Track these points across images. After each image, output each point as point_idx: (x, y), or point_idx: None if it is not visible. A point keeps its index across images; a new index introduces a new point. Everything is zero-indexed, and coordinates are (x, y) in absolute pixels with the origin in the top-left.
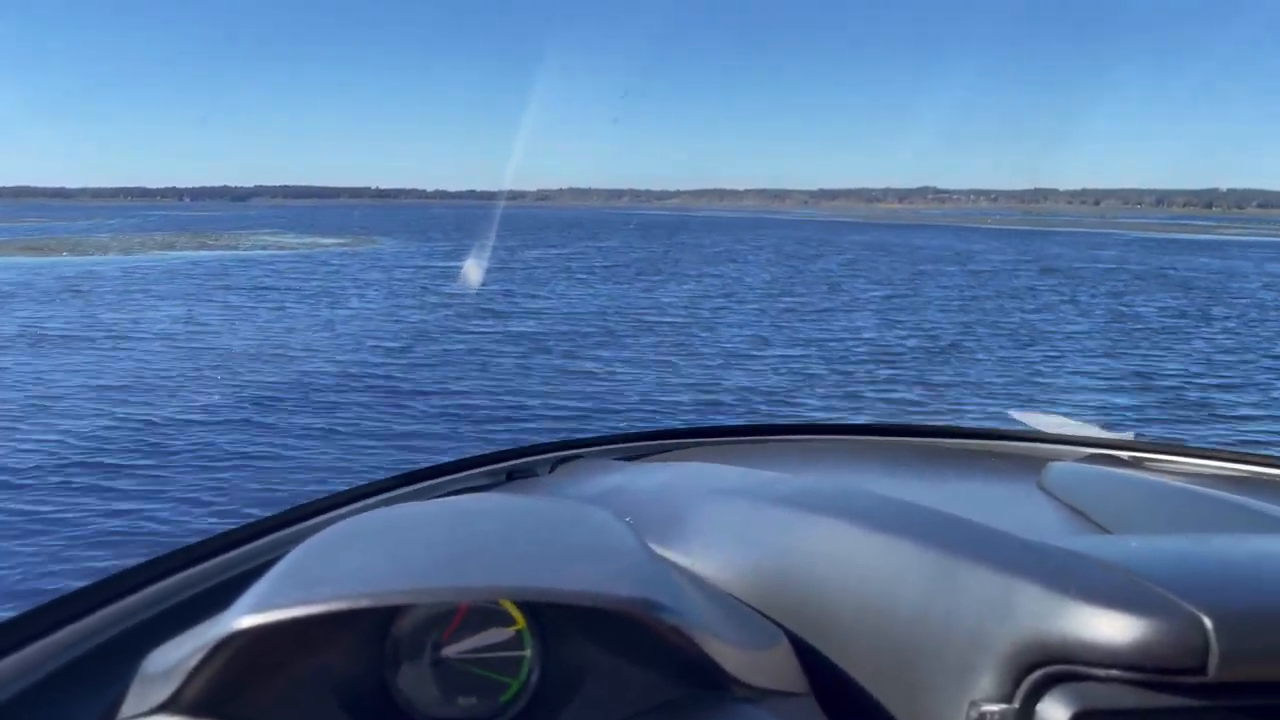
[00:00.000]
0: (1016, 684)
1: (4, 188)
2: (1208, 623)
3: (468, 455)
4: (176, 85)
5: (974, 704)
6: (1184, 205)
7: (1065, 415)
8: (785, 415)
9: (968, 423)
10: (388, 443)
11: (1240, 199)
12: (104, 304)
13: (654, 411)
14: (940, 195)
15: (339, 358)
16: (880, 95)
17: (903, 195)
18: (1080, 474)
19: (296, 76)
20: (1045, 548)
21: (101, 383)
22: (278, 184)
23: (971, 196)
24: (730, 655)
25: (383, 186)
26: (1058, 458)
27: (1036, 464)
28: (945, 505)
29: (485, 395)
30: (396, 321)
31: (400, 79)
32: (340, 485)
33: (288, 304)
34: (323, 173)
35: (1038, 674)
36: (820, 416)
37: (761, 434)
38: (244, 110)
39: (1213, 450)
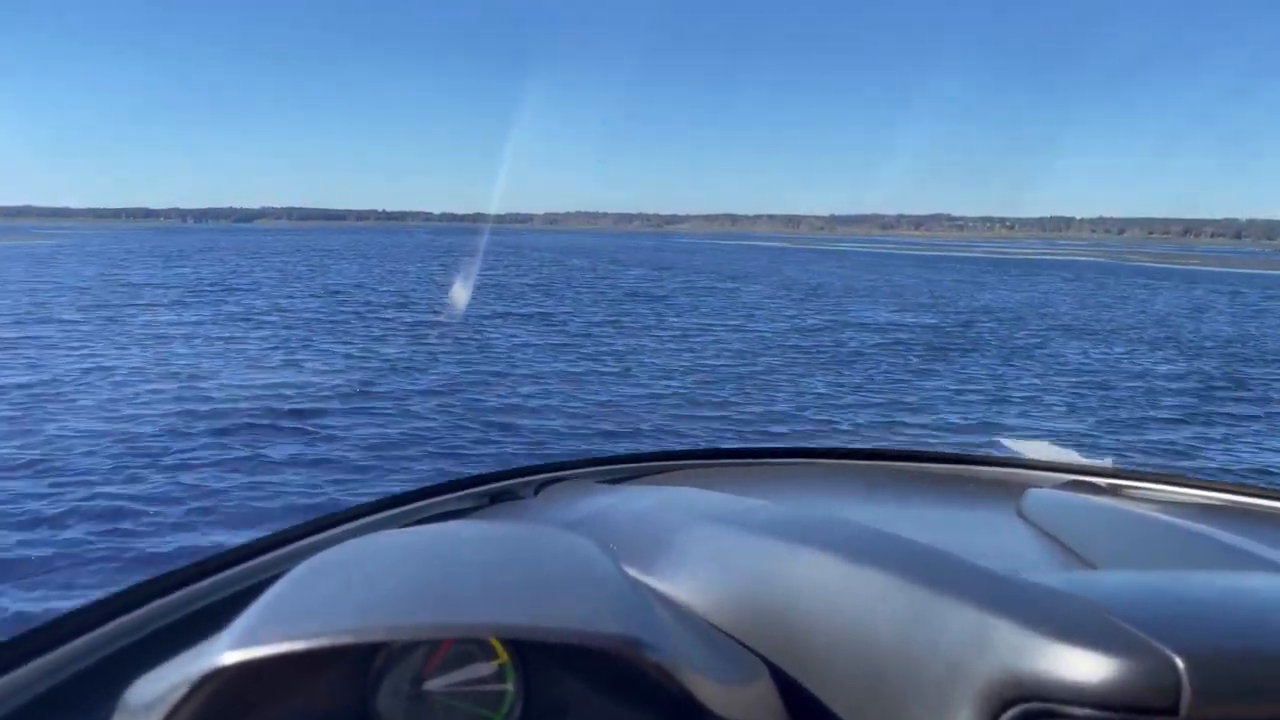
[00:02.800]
0: (994, 719)
1: (4, 207)
2: (1180, 663)
3: (452, 478)
4: (183, 106)
5: None
6: (1212, 236)
7: (1049, 442)
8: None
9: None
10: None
11: (1269, 230)
12: None
13: None
14: (955, 222)
15: None
16: (890, 121)
17: (918, 222)
18: (1058, 502)
19: (306, 98)
20: (1022, 583)
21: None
22: (283, 205)
23: (988, 224)
24: (713, 692)
25: (390, 209)
26: (1036, 484)
27: (1015, 490)
28: (924, 532)
29: None
30: None
31: (410, 101)
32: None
33: None
34: (330, 195)
35: (1014, 711)
36: None
37: (745, 457)
38: (252, 131)
39: (1191, 479)
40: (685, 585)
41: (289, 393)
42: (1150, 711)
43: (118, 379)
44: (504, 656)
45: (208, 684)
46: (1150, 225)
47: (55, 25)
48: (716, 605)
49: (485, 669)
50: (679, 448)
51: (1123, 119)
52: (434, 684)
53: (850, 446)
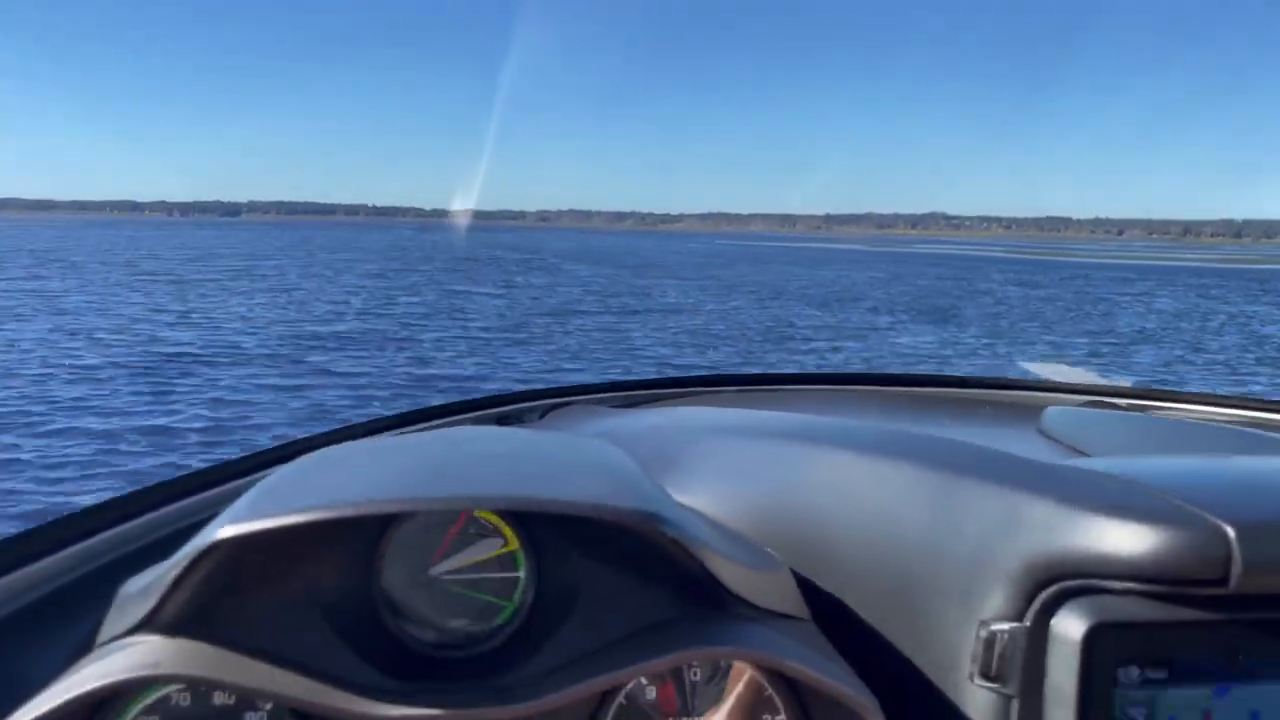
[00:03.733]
0: (1028, 601)
1: None
2: (1230, 533)
3: (457, 400)
4: (172, 99)
5: (984, 624)
6: (1211, 235)
7: (1067, 365)
8: None
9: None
10: None
11: (1269, 229)
12: None
13: None
14: (952, 221)
15: None
16: (885, 120)
17: (914, 221)
18: (1079, 416)
19: (297, 92)
20: (1052, 466)
21: None
22: (272, 199)
23: (984, 224)
24: (733, 572)
25: (380, 204)
26: (1056, 404)
27: (1034, 410)
28: None
29: None
30: None
31: (403, 97)
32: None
33: None
34: (319, 190)
35: (1050, 590)
36: None
37: (758, 383)
38: (240, 125)
39: (1212, 396)
40: (701, 495)
41: None
42: (1198, 583)
43: None
44: (514, 542)
45: (204, 561)
46: (1149, 226)
47: (40, 20)
48: (734, 512)
49: (496, 555)
50: (689, 375)
51: (1117, 119)
52: (443, 570)
53: (862, 373)
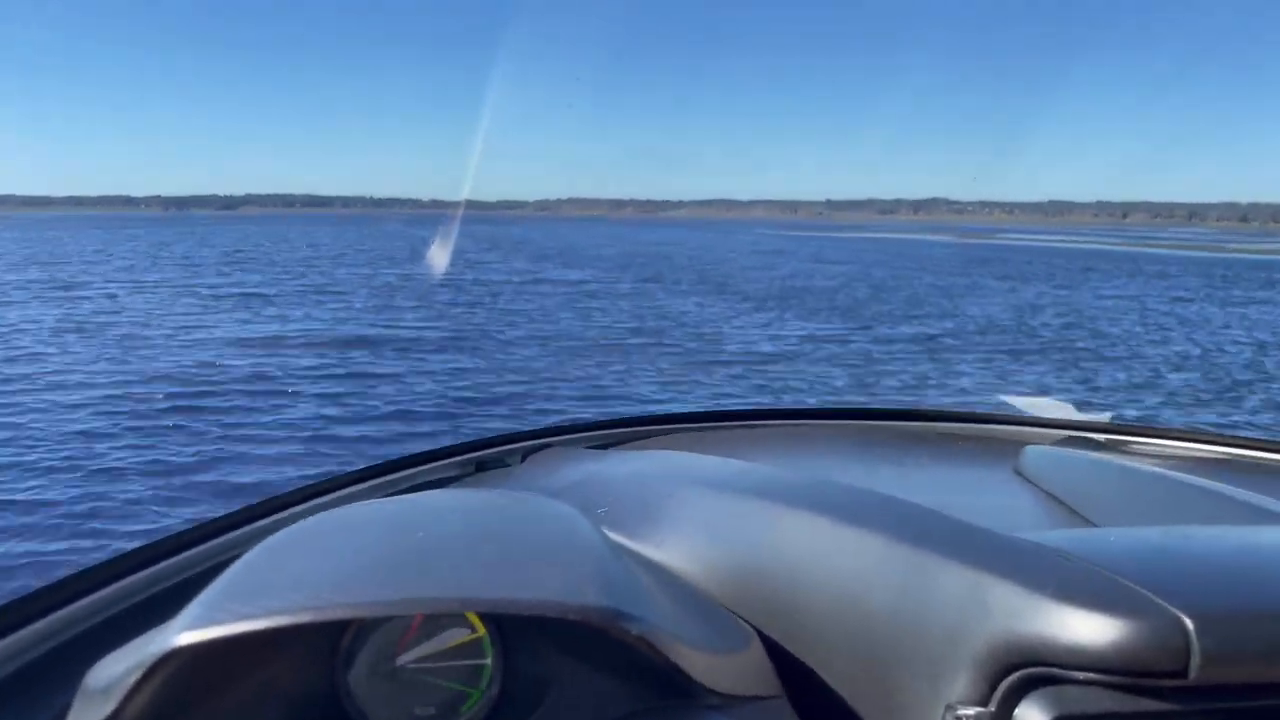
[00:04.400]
0: (993, 686)
1: None
2: (1189, 623)
3: (438, 446)
4: (166, 92)
5: (949, 708)
6: (1218, 220)
7: (1049, 399)
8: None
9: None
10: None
11: (1275, 213)
12: None
13: None
14: (954, 207)
15: None
16: (888, 105)
17: (916, 207)
18: (1056, 458)
19: (292, 84)
20: (1021, 543)
21: None
22: (269, 192)
23: (987, 209)
24: (699, 662)
25: (377, 195)
26: (1033, 440)
27: (1012, 448)
28: (920, 492)
29: None
30: None
31: (400, 87)
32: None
33: None
34: (316, 182)
35: (1015, 676)
36: None
37: (735, 420)
38: (236, 117)
39: (1188, 432)
40: (674, 551)
41: None
42: (1158, 674)
43: None
44: (481, 629)
45: (164, 666)
46: (1154, 209)
47: (35, 15)
48: (706, 572)
49: (462, 643)
50: (668, 411)
51: (1116, 99)
52: (408, 660)
53: (841, 406)
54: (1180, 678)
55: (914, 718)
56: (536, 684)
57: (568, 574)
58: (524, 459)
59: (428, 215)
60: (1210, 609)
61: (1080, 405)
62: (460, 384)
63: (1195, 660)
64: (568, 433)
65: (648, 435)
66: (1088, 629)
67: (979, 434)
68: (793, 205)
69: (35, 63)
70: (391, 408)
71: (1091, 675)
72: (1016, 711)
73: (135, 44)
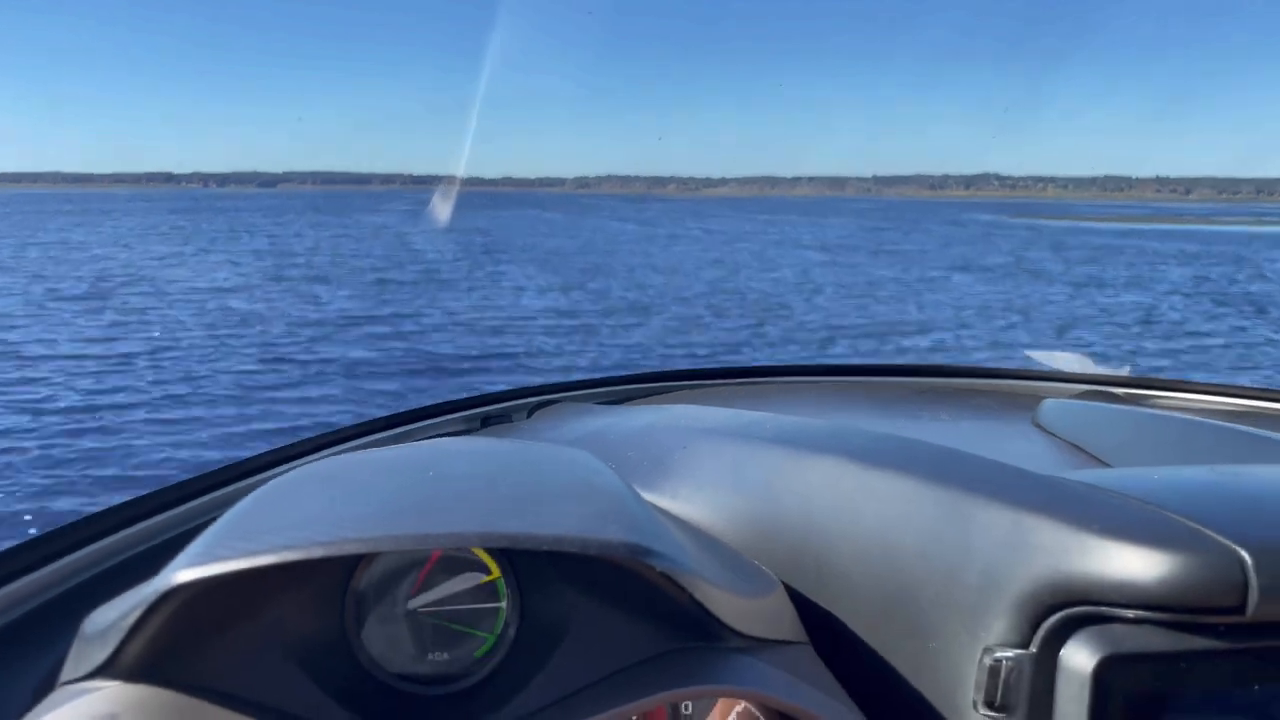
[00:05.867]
0: (1034, 627)
1: (29, 173)
2: (1246, 558)
3: (441, 400)
4: (211, 68)
5: (987, 650)
6: None
7: (1067, 353)
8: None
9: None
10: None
11: None
12: None
13: None
14: (1006, 182)
15: None
16: (931, 76)
17: (966, 182)
18: (1076, 409)
19: (333, 61)
20: (1059, 480)
21: None
22: (308, 170)
23: (1039, 184)
24: (725, 602)
25: (416, 173)
26: (1052, 394)
27: (1031, 401)
28: (938, 442)
29: None
30: None
31: (435, 63)
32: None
33: None
34: (356, 159)
35: (1058, 616)
36: None
37: (747, 376)
38: (277, 94)
39: (1209, 385)
40: (689, 504)
41: None
42: (1214, 611)
43: None
44: (496, 571)
45: (164, 605)
46: (1218, 185)
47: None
48: (724, 521)
49: (476, 586)
50: (678, 368)
51: (1174, 67)
52: (420, 603)
53: (854, 363)
54: (1237, 614)
55: (948, 662)
56: (554, 627)
57: (587, 511)
58: (530, 415)
59: (463, 192)
60: (1268, 543)
61: (1100, 360)
62: None
63: (1253, 596)
64: (575, 388)
65: (657, 392)
66: (1138, 565)
67: (995, 389)
68: (840, 181)
69: (75, 41)
70: None
71: (1142, 613)
72: (1062, 652)
73: (174, 21)
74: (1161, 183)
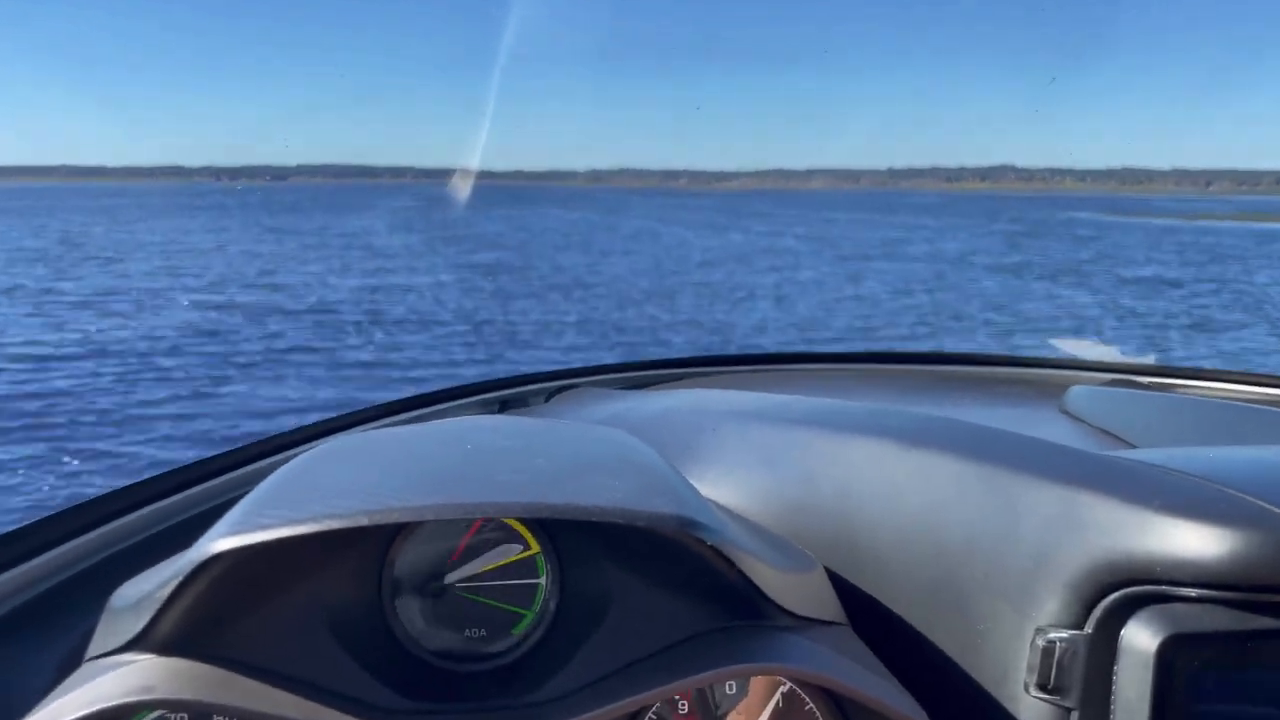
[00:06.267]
0: (1089, 608)
1: (43, 166)
2: None
3: (459, 384)
4: (219, 62)
5: (1040, 631)
6: None
7: (1093, 342)
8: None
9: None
10: None
11: None
12: None
13: None
14: (1022, 174)
15: None
16: (949, 67)
17: (982, 174)
18: (1103, 395)
19: (344, 53)
20: (1111, 458)
21: None
22: (319, 163)
23: (1057, 176)
24: (772, 578)
25: (426, 166)
26: (1079, 382)
27: (1056, 389)
28: None
29: None
30: None
31: (448, 55)
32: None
33: None
34: (366, 152)
35: (1115, 596)
36: None
37: (768, 362)
38: (288, 88)
39: (1235, 374)
40: (720, 485)
41: None
42: (1278, 589)
43: None
44: (535, 546)
45: (201, 576)
46: (1238, 177)
47: None
48: (756, 503)
49: (514, 560)
50: (697, 354)
51: (1194, 57)
52: (457, 578)
53: (876, 351)
54: None
55: (997, 644)
56: (594, 604)
57: (630, 484)
58: (548, 399)
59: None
60: None
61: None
62: None
63: None
64: (594, 373)
65: (676, 378)
66: (1200, 542)
67: (1021, 377)
68: (854, 175)
69: (85, 34)
70: None
71: (1205, 592)
72: (1123, 632)
73: (187, 14)
74: (1181, 175)
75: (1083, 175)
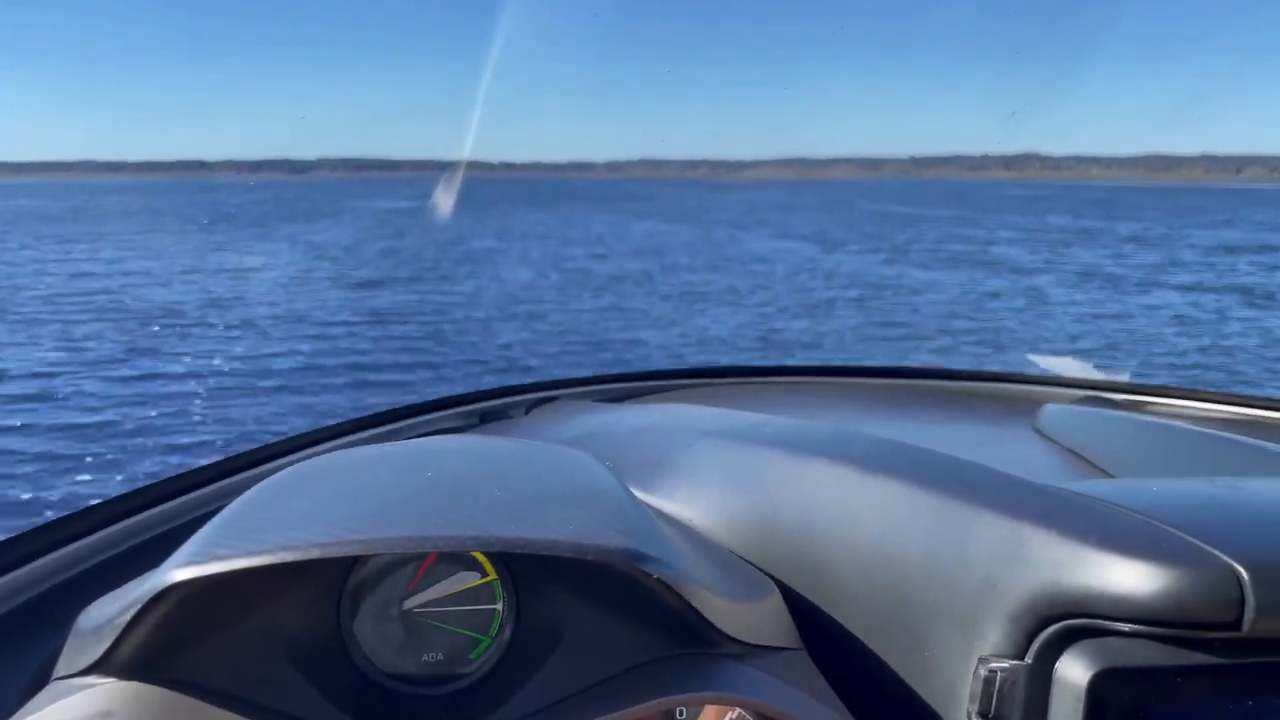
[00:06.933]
0: (1030, 639)
1: (63, 162)
2: (1243, 573)
3: (438, 397)
4: (243, 55)
5: (983, 660)
6: None
7: (1069, 358)
8: None
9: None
10: None
11: None
12: None
13: None
14: (1048, 163)
15: None
16: (973, 53)
17: (1007, 163)
18: (1076, 415)
19: (365, 46)
20: (1060, 492)
21: None
22: (339, 156)
23: (1083, 164)
24: (720, 608)
25: (446, 159)
26: (1052, 399)
27: (1030, 406)
28: (936, 447)
29: None
30: None
31: (465, 50)
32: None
33: None
34: (386, 145)
35: (1054, 628)
36: None
37: (747, 375)
38: (310, 80)
39: (1209, 393)
40: (688, 504)
41: None
42: (1209, 626)
43: None
44: (492, 573)
45: (159, 604)
46: (1268, 163)
47: None
48: (722, 523)
49: (472, 587)
50: (677, 367)
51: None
52: (415, 604)
53: (855, 364)
54: (1233, 630)
55: (944, 671)
56: (549, 631)
57: (585, 515)
58: (528, 411)
59: (472, 178)
60: (1265, 559)
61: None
62: None
63: (1249, 612)
64: (574, 385)
65: (656, 390)
66: (1134, 578)
67: (996, 393)
68: (876, 163)
69: (107, 30)
70: None
71: (1138, 627)
72: (1058, 664)
73: (207, 10)
74: (1210, 161)
75: (1108, 163)
